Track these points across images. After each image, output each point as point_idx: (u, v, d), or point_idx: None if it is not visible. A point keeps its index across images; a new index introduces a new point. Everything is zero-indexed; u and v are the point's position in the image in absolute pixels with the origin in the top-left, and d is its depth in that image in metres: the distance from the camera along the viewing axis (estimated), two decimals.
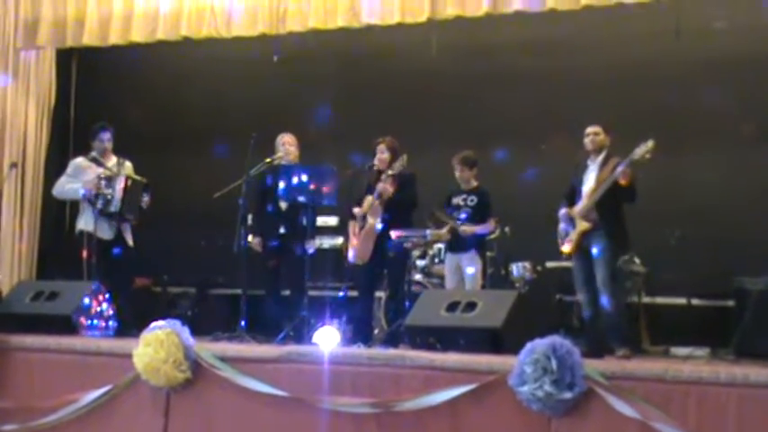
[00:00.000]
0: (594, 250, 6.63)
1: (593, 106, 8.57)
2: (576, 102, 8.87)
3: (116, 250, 7.66)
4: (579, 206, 6.77)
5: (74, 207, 8.28)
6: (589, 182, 6.81)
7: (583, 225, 6.69)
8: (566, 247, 6.86)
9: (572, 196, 6.94)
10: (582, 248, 6.75)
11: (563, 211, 6.88)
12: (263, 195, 7.76)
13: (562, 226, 6.89)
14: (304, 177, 7.19)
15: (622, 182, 6.54)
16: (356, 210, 7.42)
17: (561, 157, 8.44)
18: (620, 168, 6.51)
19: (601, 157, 6.83)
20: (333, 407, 5.09)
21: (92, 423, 5.67)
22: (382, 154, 7.42)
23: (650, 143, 6.48)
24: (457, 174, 7.48)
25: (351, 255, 7.40)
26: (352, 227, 7.46)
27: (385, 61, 9.81)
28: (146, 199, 7.80)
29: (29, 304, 6.77)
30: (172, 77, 10.63)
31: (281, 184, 7.36)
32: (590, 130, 6.88)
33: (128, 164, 7.94)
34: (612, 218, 6.68)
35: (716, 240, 8.27)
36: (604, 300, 6.56)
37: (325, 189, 7.15)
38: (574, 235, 6.75)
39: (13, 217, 9.78)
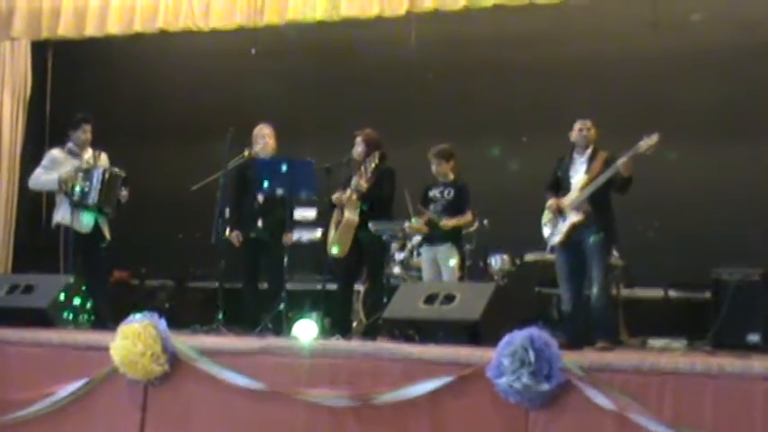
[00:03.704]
0: (589, 243, 6.57)
1: (571, 99, 8.59)
2: (555, 94, 8.89)
3: (94, 243, 7.64)
4: (569, 198, 6.71)
5: (50, 200, 8.22)
6: (578, 174, 6.75)
7: (575, 217, 6.66)
8: (555, 239, 6.81)
9: (556, 189, 6.90)
10: (570, 241, 6.72)
11: (551, 201, 6.81)
12: (240, 188, 7.73)
13: (548, 217, 6.86)
14: (282, 170, 7.17)
15: (625, 173, 6.48)
16: (335, 195, 7.39)
17: (541, 150, 8.45)
18: (621, 160, 6.43)
19: (589, 151, 6.79)
20: (311, 399, 5.08)
21: (69, 416, 5.65)
22: (358, 147, 7.41)
23: (655, 137, 6.38)
24: (433, 168, 7.44)
25: (329, 247, 7.38)
26: (334, 218, 7.43)
27: (364, 54, 9.78)
28: (124, 192, 7.77)
29: (4, 297, 6.71)
30: (148, 70, 10.57)
31: (259, 177, 7.34)
32: (581, 125, 6.79)
33: (103, 156, 7.91)
34: (604, 211, 6.66)
35: (693, 232, 8.31)
36: (596, 292, 6.51)
37: (303, 182, 7.12)
38: (564, 227, 6.69)
39: None
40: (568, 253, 6.74)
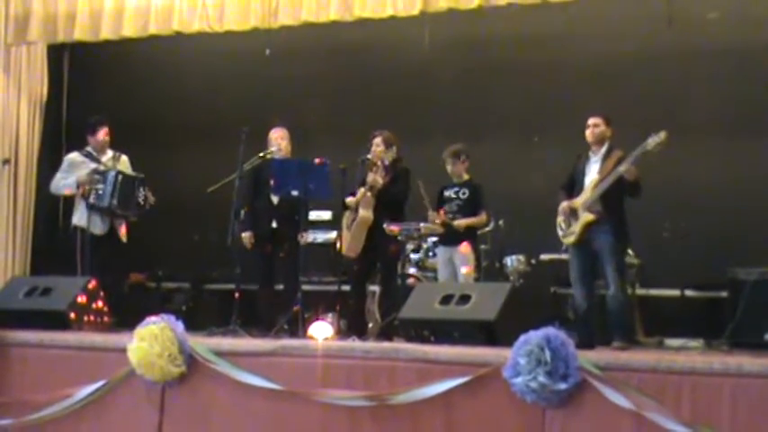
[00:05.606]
0: (601, 244, 6.56)
1: (586, 98, 8.56)
2: (569, 94, 8.86)
3: (109, 245, 7.69)
4: (582, 198, 6.69)
5: (67, 203, 8.28)
6: (591, 174, 6.73)
7: (587, 217, 6.60)
8: (568, 239, 6.80)
9: (571, 188, 6.88)
10: (583, 241, 6.69)
11: (563, 204, 6.81)
12: (255, 189, 7.75)
13: (562, 218, 6.84)
14: (296, 171, 7.18)
15: (629, 178, 6.46)
16: (349, 198, 7.41)
17: (555, 150, 8.44)
18: (626, 163, 6.42)
19: (603, 150, 6.74)
20: (327, 400, 5.10)
21: (87, 418, 5.68)
22: (377, 147, 7.41)
23: (663, 135, 6.36)
24: (449, 168, 7.45)
25: (343, 247, 7.39)
26: (346, 219, 7.45)
27: (377, 55, 9.79)
28: (142, 193, 7.78)
29: (23, 300, 6.75)
30: (164, 72, 10.61)
31: (274, 179, 7.36)
32: (590, 121, 6.78)
33: (124, 158, 7.97)
34: (616, 211, 6.63)
35: (709, 231, 8.28)
36: (612, 292, 6.51)
37: (317, 182, 7.13)
38: (577, 227, 6.66)
39: (6, 213, 9.76)
40: (581, 253, 6.73)
